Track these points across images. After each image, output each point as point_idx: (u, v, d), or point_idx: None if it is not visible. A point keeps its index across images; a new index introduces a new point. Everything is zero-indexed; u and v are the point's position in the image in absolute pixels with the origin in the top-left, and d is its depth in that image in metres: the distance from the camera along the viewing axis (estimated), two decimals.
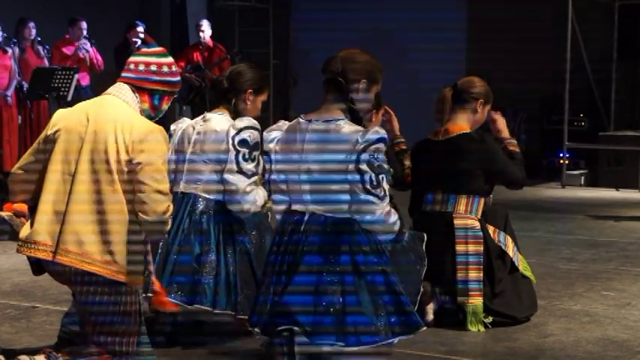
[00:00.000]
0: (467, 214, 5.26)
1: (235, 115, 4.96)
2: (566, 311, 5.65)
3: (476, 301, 5.19)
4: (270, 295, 4.09)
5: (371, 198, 3.95)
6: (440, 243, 5.05)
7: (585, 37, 12.53)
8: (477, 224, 5.23)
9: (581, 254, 7.51)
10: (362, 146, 3.93)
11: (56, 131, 4.05)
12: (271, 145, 4.21)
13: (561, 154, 12.56)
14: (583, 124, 13.21)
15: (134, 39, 11.50)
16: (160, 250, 4.74)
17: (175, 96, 4.31)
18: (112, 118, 4.00)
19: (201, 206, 4.85)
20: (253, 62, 5.74)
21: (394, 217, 4.06)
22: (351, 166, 3.94)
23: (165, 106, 4.23)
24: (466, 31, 14.48)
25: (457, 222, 5.22)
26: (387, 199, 4.00)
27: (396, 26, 14.34)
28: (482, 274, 5.21)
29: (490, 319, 5.22)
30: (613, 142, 12.34)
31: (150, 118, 4.14)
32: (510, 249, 5.33)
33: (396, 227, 4.11)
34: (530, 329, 5.24)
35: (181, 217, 4.83)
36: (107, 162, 3.94)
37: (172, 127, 5.06)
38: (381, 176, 3.96)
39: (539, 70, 13.32)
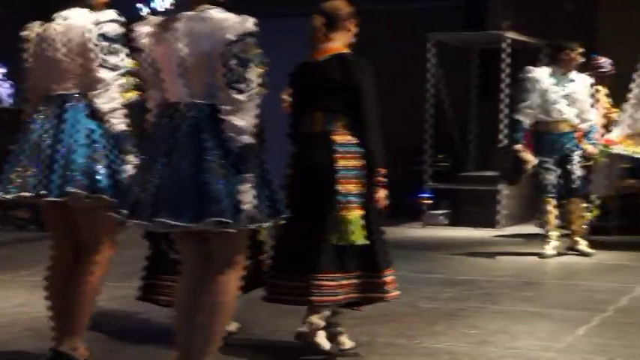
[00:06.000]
0: (346, 131, 5.31)
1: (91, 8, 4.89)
2: (428, 349, 5.75)
3: (356, 213, 5.24)
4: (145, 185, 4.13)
5: (232, 92, 4.05)
6: (321, 162, 5.21)
7: (446, 79, 12.95)
8: (357, 140, 5.29)
9: (442, 293, 7.65)
10: (230, 39, 4.05)
11: None
12: (144, 40, 4.31)
13: (422, 195, 12.86)
14: (447, 164, 13.57)
15: None
16: None
17: None
18: None
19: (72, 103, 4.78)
20: None
21: (241, 122, 4.04)
22: (219, 56, 4.06)
23: None
24: None
25: (337, 138, 5.30)
26: (253, 93, 4.07)
27: None
28: (363, 188, 5.29)
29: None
30: (471, 182, 12.69)
31: None
32: None
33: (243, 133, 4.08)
34: None
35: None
36: None
37: (25, 33, 4.93)
38: (249, 65, 4.07)
39: (402, 111, 13.65)
